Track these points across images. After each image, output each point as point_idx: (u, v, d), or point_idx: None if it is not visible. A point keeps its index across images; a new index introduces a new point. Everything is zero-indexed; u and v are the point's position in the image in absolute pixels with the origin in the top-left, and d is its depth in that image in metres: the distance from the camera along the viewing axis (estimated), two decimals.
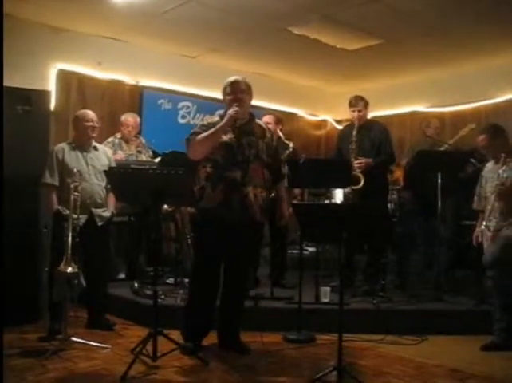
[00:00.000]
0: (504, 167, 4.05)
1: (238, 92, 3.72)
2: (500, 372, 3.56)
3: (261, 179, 3.72)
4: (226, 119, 3.60)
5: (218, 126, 3.61)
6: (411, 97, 7.58)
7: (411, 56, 6.67)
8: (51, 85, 5.82)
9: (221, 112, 3.80)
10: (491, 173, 4.21)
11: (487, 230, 4.17)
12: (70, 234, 3.78)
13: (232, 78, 3.78)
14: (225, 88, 3.78)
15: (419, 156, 4.98)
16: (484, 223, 4.16)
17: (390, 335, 4.24)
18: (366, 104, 5.20)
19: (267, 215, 3.90)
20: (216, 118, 3.77)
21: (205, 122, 3.80)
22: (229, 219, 3.64)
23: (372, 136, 5.15)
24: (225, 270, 3.83)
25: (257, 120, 3.91)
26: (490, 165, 4.30)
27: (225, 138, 3.69)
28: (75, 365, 3.50)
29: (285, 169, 4.05)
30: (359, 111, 5.13)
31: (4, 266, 4.00)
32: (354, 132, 5.05)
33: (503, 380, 3.45)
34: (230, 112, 3.60)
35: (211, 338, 3.90)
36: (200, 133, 3.66)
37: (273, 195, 4.07)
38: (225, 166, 3.66)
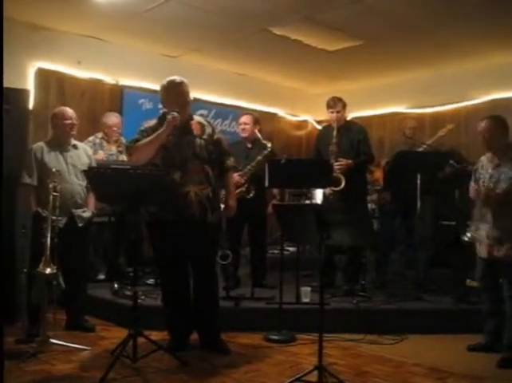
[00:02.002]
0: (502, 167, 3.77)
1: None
2: (479, 370, 3.59)
3: (202, 176, 3.71)
4: (165, 126, 3.58)
5: (158, 133, 3.59)
6: (391, 98, 7.62)
7: (391, 57, 6.71)
8: (30, 84, 5.75)
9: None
10: (483, 170, 3.93)
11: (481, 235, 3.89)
12: (49, 235, 3.74)
13: (173, 81, 3.76)
14: (165, 90, 3.75)
15: (399, 157, 5.01)
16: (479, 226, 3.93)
17: (370, 334, 4.27)
18: (344, 106, 5.20)
19: (215, 212, 3.79)
20: (153, 121, 3.78)
21: (143, 127, 3.77)
22: (171, 219, 3.65)
23: (351, 137, 5.15)
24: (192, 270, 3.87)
25: (195, 117, 3.89)
26: (484, 160, 3.96)
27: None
28: (53, 367, 3.47)
29: (231, 161, 3.94)
30: (337, 112, 5.12)
31: (3, 267, 3.97)
32: (334, 133, 5.05)
33: (482, 378, 3.48)
34: (169, 118, 3.58)
35: (192, 339, 3.90)
36: (140, 139, 3.67)
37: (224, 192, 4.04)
38: (164, 168, 3.65)
